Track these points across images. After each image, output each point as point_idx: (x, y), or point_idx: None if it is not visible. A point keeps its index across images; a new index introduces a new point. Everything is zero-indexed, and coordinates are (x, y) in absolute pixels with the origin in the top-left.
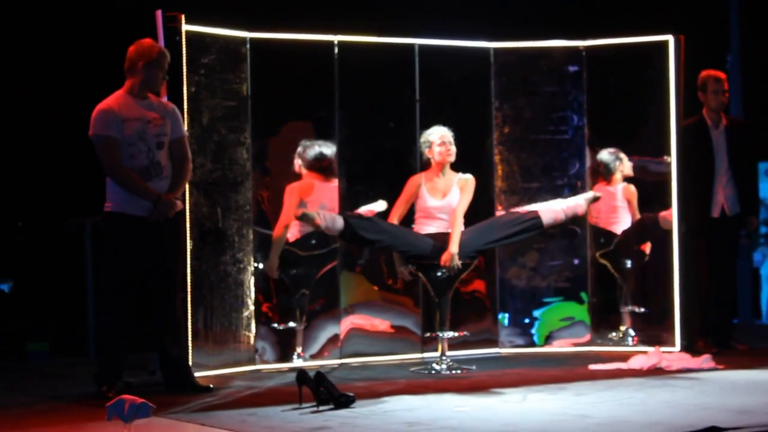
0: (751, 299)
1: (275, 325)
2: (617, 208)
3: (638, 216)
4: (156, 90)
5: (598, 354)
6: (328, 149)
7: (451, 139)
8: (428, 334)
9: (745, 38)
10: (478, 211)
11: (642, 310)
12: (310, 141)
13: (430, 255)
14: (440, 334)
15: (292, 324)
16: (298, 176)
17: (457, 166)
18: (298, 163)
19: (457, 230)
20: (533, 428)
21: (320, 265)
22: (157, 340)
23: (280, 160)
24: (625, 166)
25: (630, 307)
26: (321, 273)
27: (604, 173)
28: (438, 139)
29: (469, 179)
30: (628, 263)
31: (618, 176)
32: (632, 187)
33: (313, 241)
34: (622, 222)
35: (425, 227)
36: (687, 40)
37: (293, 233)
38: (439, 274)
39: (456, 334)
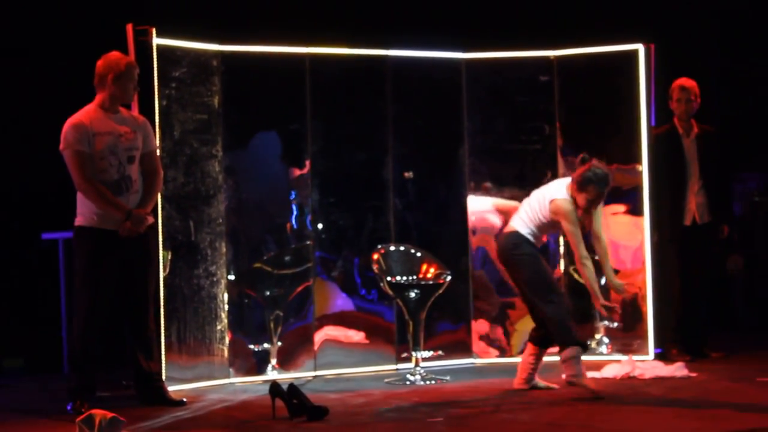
0: (724, 307)
1: (251, 346)
2: None
3: None
4: (128, 102)
5: None
6: None
7: None
8: (404, 355)
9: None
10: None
11: (615, 325)
12: None
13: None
14: (415, 354)
15: (266, 345)
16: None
17: (429, 177)
18: None
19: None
20: None
21: (295, 285)
22: (130, 355)
23: (253, 172)
24: None
25: (604, 323)
26: (294, 294)
27: None
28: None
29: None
30: (602, 280)
31: None
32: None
33: (288, 258)
34: None
35: None
36: (662, 48)
37: None
38: (412, 295)
39: (431, 353)
